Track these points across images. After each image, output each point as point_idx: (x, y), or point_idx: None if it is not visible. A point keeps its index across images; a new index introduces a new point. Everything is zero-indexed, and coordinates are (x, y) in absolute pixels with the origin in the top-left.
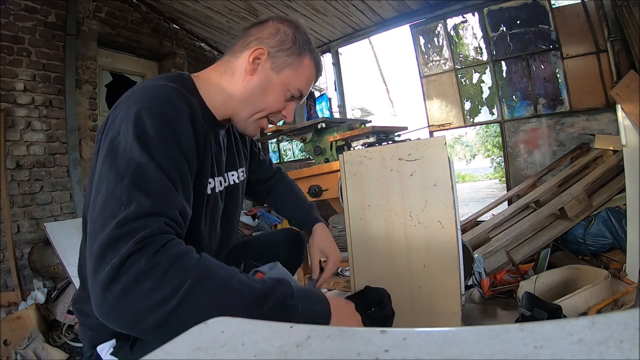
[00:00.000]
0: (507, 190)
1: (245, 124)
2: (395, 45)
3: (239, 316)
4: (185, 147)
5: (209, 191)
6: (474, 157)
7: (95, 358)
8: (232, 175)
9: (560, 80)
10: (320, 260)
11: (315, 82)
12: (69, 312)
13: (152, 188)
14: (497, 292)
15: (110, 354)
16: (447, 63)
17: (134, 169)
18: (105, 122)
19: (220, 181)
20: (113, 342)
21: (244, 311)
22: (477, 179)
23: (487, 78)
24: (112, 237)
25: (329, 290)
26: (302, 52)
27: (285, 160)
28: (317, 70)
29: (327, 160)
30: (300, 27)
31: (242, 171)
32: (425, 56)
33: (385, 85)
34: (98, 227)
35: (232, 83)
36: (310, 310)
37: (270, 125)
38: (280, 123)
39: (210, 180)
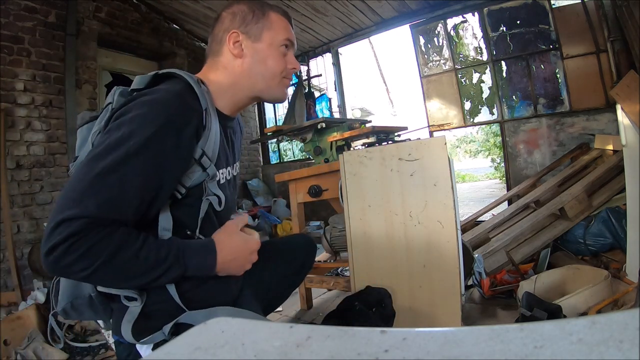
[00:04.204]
0: (507, 190)
1: (270, 94)
2: (395, 45)
3: (139, 278)
4: (168, 160)
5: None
6: (479, 153)
7: (135, 355)
8: (236, 166)
9: (560, 80)
10: None
11: (292, 27)
12: None
13: (104, 194)
14: (497, 292)
15: (152, 349)
16: (447, 63)
17: (98, 171)
18: (112, 114)
19: (229, 171)
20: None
21: (142, 276)
22: (477, 179)
23: (487, 78)
24: (56, 225)
25: (329, 290)
26: (265, 12)
27: (285, 160)
28: (286, 16)
29: (327, 160)
30: None
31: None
32: (425, 56)
33: (385, 85)
34: (54, 212)
35: (230, 73)
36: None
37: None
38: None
39: (217, 173)
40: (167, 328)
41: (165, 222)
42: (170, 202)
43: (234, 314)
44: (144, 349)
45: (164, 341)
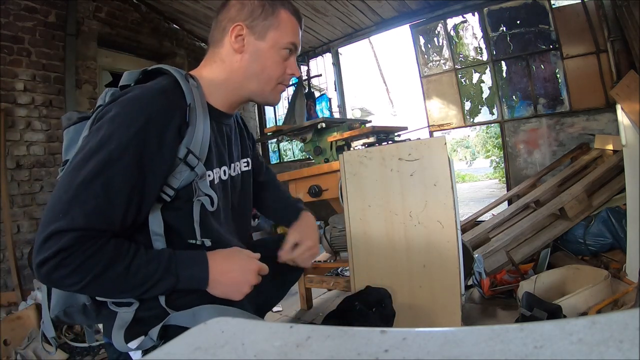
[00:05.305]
0: (507, 190)
1: (263, 97)
2: (395, 45)
3: (130, 292)
4: (152, 160)
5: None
6: (475, 160)
7: (125, 355)
8: (235, 166)
9: (560, 80)
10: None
11: (301, 29)
12: None
13: (90, 204)
14: (497, 292)
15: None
16: (447, 63)
17: (82, 179)
18: (96, 115)
19: (225, 170)
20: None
21: (133, 289)
22: (477, 179)
23: (487, 78)
24: (45, 238)
25: (329, 290)
26: (275, 9)
27: (285, 160)
28: (297, 17)
29: (327, 160)
30: None
31: (247, 162)
32: (425, 56)
33: (385, 85)
34: (43, 223)
35: (226, 68)
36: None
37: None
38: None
39: (209, 172)
40: (154, 332)
41: (156, 227)
42: (161, 206)
43: (220, 312)
44: (132, 353)
45: (154, 347)
